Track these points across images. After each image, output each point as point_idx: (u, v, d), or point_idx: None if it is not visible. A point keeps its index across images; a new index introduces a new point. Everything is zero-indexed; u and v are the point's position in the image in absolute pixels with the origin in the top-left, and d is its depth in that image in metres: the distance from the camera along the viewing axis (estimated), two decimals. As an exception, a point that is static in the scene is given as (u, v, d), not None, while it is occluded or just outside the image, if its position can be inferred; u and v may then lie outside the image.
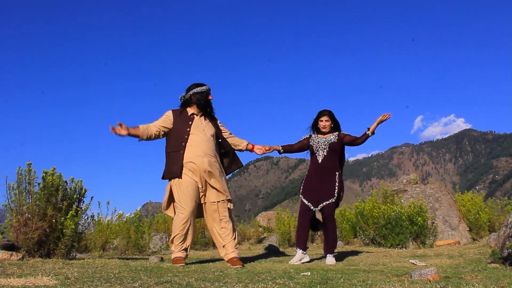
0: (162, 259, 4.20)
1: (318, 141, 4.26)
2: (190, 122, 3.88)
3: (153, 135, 3.84)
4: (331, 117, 4.32)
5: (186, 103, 3.98)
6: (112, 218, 6.16)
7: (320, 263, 4.08)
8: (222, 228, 3.82)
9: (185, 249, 3.78)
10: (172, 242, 3.80)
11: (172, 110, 3.98)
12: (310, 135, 4.40)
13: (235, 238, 3.84)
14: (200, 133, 3.83)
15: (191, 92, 3.95)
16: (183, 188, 3.73)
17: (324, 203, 4.06)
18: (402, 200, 6.52)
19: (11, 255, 3.43)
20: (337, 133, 4.29)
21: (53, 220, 3.74)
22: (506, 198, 8.27)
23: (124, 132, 3.68)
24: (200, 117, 3.95)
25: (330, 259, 4.04)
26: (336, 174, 4.18)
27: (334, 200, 4.07)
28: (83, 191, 4.15)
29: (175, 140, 3.83)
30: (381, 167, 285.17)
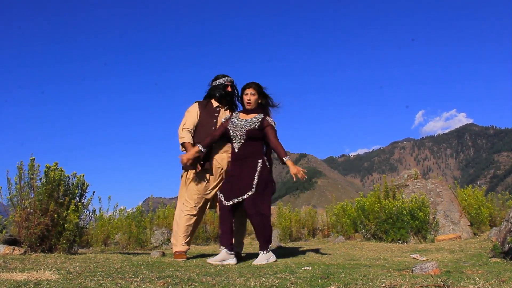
0: (163, 254, 4.21)
1: (237, 125, 3.55)
2: (217, 114, 3.83)
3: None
4: (258, 90, 3.62)
5: (209, 95, 3.94)
6: (113, 213, 6.18)
7: (321, 257, 4.08)
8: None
9: (187, 244, 3.79)
10: (173, 236, 3.81)
11: (197, 102, 3.94)
12: (232, 115, 3.71)
13: (241, 235, 3.93)
14: None
15: (211, 84, 3.93)
16: (194, 183, 3.74)
17: (239, 198, 3.37)
18: (404, 195, 6.51)
19: (13, 249, 3.44)
20: (262, 116, 3.59)
21: (55, 215, 3.75)
22: (507, 192, 8.23)
23: (187, 157, 3.54)
24: (224, 110, 3.90)
25: (259, 258, 3.40)
26: (258, 162, 3.48)
27: (251, 193, 3.35)
28: (85, 186, 4.15)
29: (202, 133, 3.77)
30: (383, 162, 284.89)
